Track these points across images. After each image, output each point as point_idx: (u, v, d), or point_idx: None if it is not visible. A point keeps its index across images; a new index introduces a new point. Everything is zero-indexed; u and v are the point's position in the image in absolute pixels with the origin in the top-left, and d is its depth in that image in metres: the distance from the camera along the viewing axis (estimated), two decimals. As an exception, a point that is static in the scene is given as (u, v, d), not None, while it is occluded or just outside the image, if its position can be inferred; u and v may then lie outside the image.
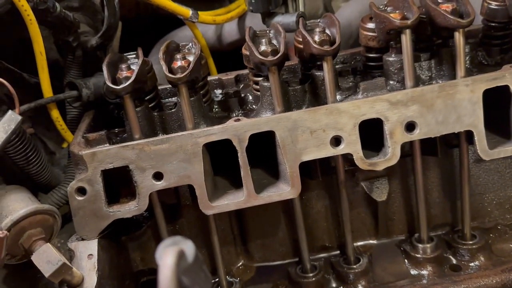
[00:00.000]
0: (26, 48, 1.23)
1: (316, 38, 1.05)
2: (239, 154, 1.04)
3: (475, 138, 1.07)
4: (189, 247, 0.56)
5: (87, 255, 1.07)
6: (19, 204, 1.03)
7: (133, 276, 1.23)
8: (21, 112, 1.11)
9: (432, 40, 1.17)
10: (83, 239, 1.09)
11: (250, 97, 1.22)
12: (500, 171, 1.25)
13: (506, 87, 1.06)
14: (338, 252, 1.27)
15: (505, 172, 1.25)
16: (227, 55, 1.59)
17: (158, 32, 1.72)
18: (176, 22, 1.61)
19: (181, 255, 0.55)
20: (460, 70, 1.08)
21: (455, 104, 1.05)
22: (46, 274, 0.98)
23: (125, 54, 1.16)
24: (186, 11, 1.46)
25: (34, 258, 0.99)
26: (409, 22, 1.03)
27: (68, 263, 0.99)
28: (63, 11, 1.23)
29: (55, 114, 1.30)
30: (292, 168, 1.05)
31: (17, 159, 1.13)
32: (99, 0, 1.40)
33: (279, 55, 1.02)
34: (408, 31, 1.04)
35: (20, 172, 1.16)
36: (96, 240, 1.08)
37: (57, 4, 1.21)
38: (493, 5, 1.16)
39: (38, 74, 1.25)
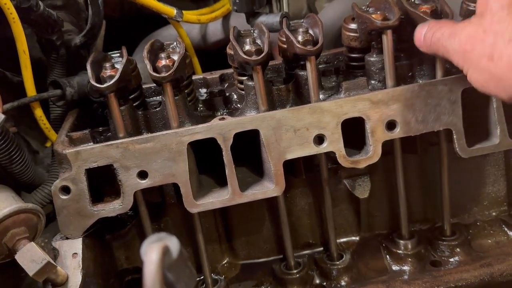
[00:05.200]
0: (9, 47, 1.22)
1: (300, 38, 1.07)
2: (223, 153, 1.05)
3: (454, 137, 1.09)
4: (173, 243, 0.57)
5: (72, 254, 1.07)
6: (2, 203, 1.02)
7: (118, 274, 1.23)
8: (4, 111, 1.10)
9: (413, 40, 1.19)
10: (67, 238, 1.09)
11: (235, 96, 1.23)
12: (479, 168, 1.28)
13: (484, 86, 1.09)
14: (321, 248, 1.28)
15: (483, 169, 1.28)
16: (211, 54, 1.60)
17: (143, 31, 1.71)
18: (160, 21, 1.61)
19: (165, 251, 0.55)
20: (440, 70, 1.10)
21: (434, 103, 1.07)
22: (31, 273, 0.97)
23: (109, 53, 1.16)
24: (170, 10, 1.46)
25: (18, 257, 0.98)
26: (390, 23, 1.05)
27: (52, 261, 0.99)
28: (47, 9, 1.22)
29: (38, 113, 1.30)
30: (276, 166, 1.07)
31: (0, 158, 1.12)
32: (83, -2, 1.40)
33: (263, 54, 1.03)
34: (389, 32, 1.06)
35: (3, 171, 1.15)
36: (81, 239, 1.08)
37: (40, 3, 1.20)
38: (472, 6, 1.18)
39: (21, 73, 1.24)
